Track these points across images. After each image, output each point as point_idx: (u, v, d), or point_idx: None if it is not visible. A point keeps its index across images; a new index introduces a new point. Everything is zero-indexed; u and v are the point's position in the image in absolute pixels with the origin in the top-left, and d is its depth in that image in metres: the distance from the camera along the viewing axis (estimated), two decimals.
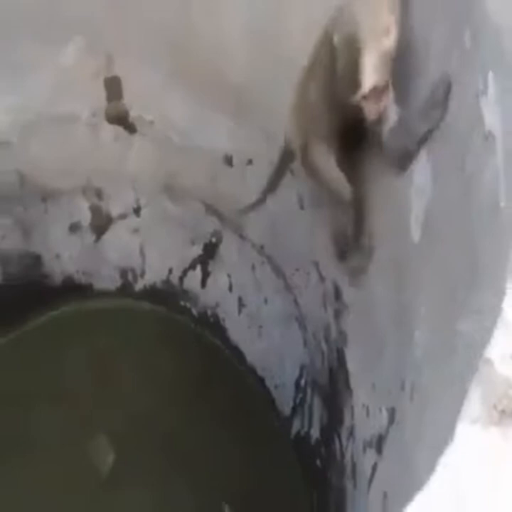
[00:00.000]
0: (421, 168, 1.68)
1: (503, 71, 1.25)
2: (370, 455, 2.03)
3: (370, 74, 1.71)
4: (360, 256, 2.07)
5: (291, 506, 2.93)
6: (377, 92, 1.74)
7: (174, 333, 3.40)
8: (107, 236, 3.33)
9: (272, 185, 2.43)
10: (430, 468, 1.21)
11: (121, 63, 2.79)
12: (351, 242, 2.10)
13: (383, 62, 1.71)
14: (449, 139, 1.51)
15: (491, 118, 1.24)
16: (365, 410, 2.12)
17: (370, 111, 1.78)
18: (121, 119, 2.99)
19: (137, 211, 3.27)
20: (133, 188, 3.19)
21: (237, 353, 3.32)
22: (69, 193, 3.17)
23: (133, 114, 2.96)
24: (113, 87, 2.91)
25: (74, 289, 3.37)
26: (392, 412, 1.85)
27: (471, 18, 1.40)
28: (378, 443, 1.96)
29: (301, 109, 2.07)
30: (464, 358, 1.20)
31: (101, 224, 3.33)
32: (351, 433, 2.33)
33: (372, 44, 1.70)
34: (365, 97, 1.76)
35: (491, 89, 1.25)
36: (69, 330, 3.31)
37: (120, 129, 3.01)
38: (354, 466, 2.28)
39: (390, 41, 1.71)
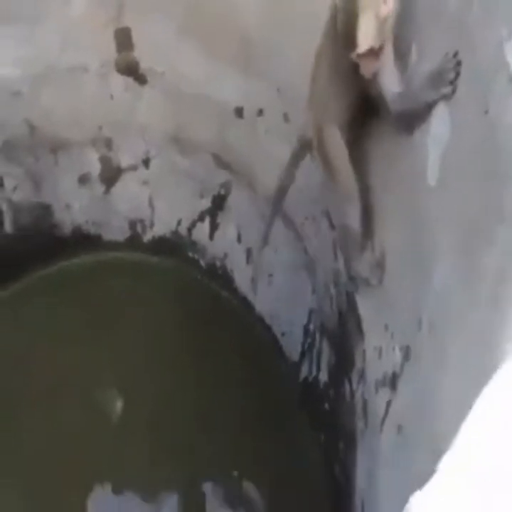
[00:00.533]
0: (439, 117, 1.73)
1: None
2: (384, 393, 2.10)
3: (365, 37, 1.81)
4: (371, 264, 2.14)
5: (299, 450, 3.01)
6: (373, 53, 1.84)
7: (182, 284, 3.44)
8: (117, 187, 3.36)
9: (290, 173, 2.48)
10: (457, 392, 1.29)
11: (132, 14, 2.82)
12: (361, 244, 2.17)
13: (379, 27, 1.81)
14: (470, 84, 1.56)
15: None
16: (377, 352, 2.19)
17: (365, 69, 1.89)
18: (132, 70, 3.01)
19: (146, 163, 3.30)
20: (143, 139, 3.20)
21: (245, 303, 3.37)
22: (79, 144, 3.18)
23: (143, 65, 2.97)
24: (123, 38, 2.93)
25: (83, 239, 3.41)
26: (406, 351, 1.92)
27: None
28: (392, 381, 2.03)
29: (314, 97, 2.17)
30: (491, 286, 1.27)
31: (110, 175, 3.34)
32: (362, 375, 2.40)
33: (369, 9, 1.80)
34: (361, 55, 1.85)
35: None
36: (78, 280, 3.35)
37: (130, 80, 3.02)
38: (365, 406, 2.36)
39: (387, 7, 1.80)
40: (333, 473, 2.76)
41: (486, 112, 1.43)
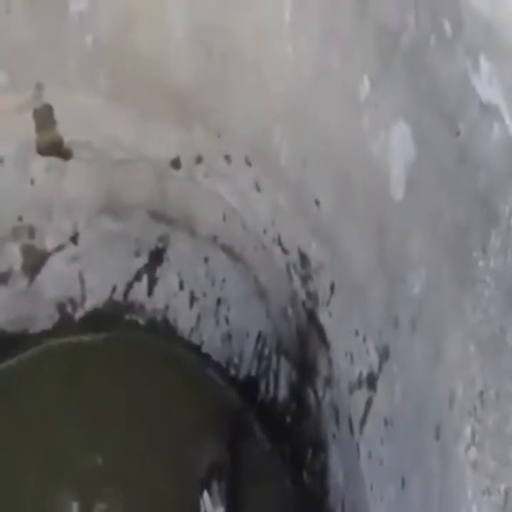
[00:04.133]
0: (400, 136, 1.93)
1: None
2: (361, 395, 2.27)
3: None
4: None
5: (263, 468, 3.10)
6: None
7: (123, 352, 3.33)
8: (42, 274, 3.15)
9: None
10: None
11: (53, 90, 2.65)
12: None
13: None
14: (434, 111, 1.78)
15: (489, 91, 1.51)
16: (348, 357, 2.37)
17: None
18: (55, 148, 2.81)
19: (75, 239, 3.12)
20: (70, 217, 3.03)
21: (192, 348, 3.39)
22: None
23: (67, 139, 2.81)
24: (44, 117, 2.72)
25: (7, 342, 3.17)
26: (385, 350, 2.11)
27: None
28: (370, 381, 2.22)
29: None
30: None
31: (35, 263, 3.10)
32: (329, 382, 2.58)
33: None
34: None
35: (485, 68, 1.53)
36: (8, 387, 3.14)
37: (52, 159, 2.84)
38: (336, 410, 2.54)
39: None
40: (301, 480, 2.92)
41: (458, 134, 1.65)
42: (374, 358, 2.16)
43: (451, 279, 1.66)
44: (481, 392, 1.48)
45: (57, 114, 2.73)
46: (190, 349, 3.41)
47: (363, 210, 2.12)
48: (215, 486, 2.97)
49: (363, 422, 2.23)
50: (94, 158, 2.86)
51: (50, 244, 3.11)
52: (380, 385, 2.12)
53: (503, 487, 1.31)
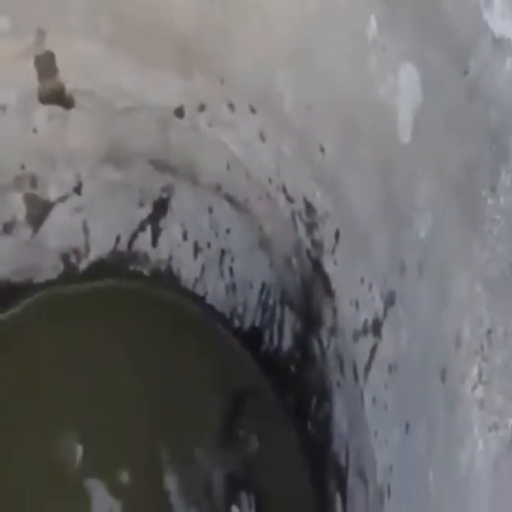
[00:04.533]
0: (407, 79, 1.91)
1: None
2: (366, 342, 2.27)
3: None
4: None
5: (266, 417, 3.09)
6: None
7: (126, 302, 3.30)
8: (46, 225, 3.12)
9: None
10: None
11: (55, 37, 2.61)
12: None
13: None
14: (441, 49, 1.75)
15: (502, 24, 1.48)
16: (353, 305, 2.37)
17: None
18: (58, 97, 2.77)
19: (78, 189, 3.09)
20: (73, 166, 3.00)
21: (195, 298, 3.37)
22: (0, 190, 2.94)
23: (69, 87, 2.76)
24: (46, 64, 2.68)
25: (13, 291, 3.17)
26: (390, 296, 2.10)
27: None
28: (374, 327, 2.22)
29: None
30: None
31: (38, 213, 3.08)
32: (333, 331, 2.58)
33: None
34: None
35: (497, 1, 1.49)
36: (11, 335, 3.13)
37: (55, 107, 2.80)
38: (340, 359, 2.54)
39: None
40: (305, 430, 2.93)
41: (467, 72, 1.62)
42: (379, 304, 2.15)
43: (459, 220, 1.64)
44: (489, 331, 1.47)
45: (59, 61, 2.70)
46: (194, 300, 3.39)
47: (368, 155, 2.09)
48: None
49: (367, 368, 2.23)
50: (97, 106, 2.84)
51: (53, 194, 3.10)
52: (385, 331, 2.12)
53: (510, 422, 1.30)
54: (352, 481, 2.42)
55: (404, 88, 1.89)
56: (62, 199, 3.11)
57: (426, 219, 1.79)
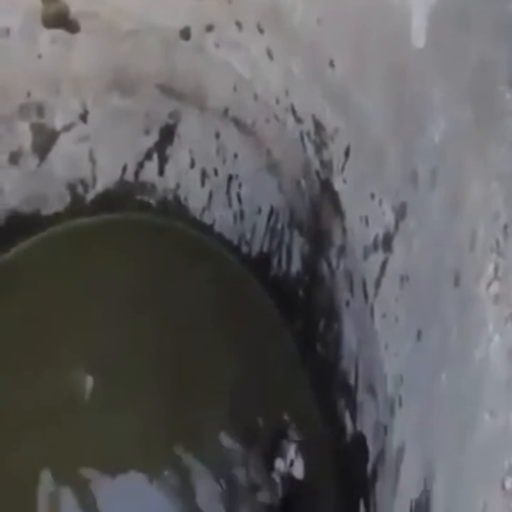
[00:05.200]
0: None
1: None
2: (376, 257, 2.26)
3: None
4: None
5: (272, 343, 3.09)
6: None
7: (135, 234, 3.28)
8: (52, 154, 3.08)
9: None
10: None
11: None
12: None
13: None
14: None
15: None
16: (363, 222, 2.35)
17: None
18: (62, 20, 2.71)
19: (84, 117, 3.05)
20: (78, 93, 2.94)
21: (203, 227, 3.35)
22: (5, 118, 2.88)
23: (74, 9, 2.70)
24: None
25: (21, 222, 3.15)
26: (402, 209, 2.08)
27: None
28: (385, 242, 2.20)
29: None
30: None
31: (45, 143, 3.03)
32: (343, 250, 2.56)
33: None
34: None
35: None
36: (23, 270, 3.13)
37: (59, 32, 2.74)
38: (350, 277, 2.53)
39: None
40: (314, 351, 2.93)
41: None
42: (390, 218, 2.13)
43: (474, 120, 1.62)
44: (505, 226, 1.45)
45: None
46: (202, 228, 3.38)
47: (380, 65, 2.05)
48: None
49: (377, 284, 2.22)
50: (102, 30, 2.77)
51: (59, 122, 3.04)
52: (396, 244, 2.10)
53: None
54: (361, 396, 2.42)
55: None
56: (68, 128, 3.07)
57: (440, 124, 1.76)
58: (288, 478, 2.54)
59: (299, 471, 2.46)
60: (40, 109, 2.98)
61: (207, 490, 2.77)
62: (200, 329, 3.12)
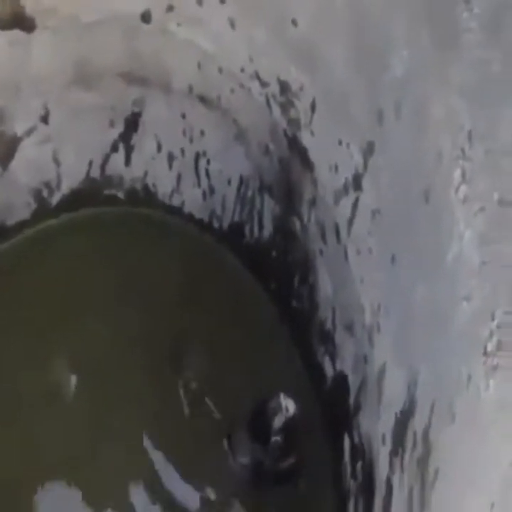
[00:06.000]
0: None
1: None
2: (347, 200, 2.35)
3: None
4: None
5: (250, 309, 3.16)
6: None
7: (106, 229, 3.27)
8: (15, 162, 3.00)
9: None
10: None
11: None
12: None
13: None
14: None
15: None
16: (332, 170, 2.46)
17: None
18: (19, 20, 2.63)
19: (45, 118, 2.96)
20: (39, 94, 2.87)
21: (173, 210, 3.37)
22: None
23: (29, 8, 2.63)
24: None
25: None
26: (369, 147, 2.19)
27: None
28: (355, 182, 2.30)
29: None
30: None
31: (6, 150, 2.94)
32: (313, 203, 2.67)
33: None
34: None
35: None
36: None
37: (15, 32, 2.66)
38: (322, 226, 2.64)
39: None
40: (290, 307, 3.02)
41: None
42: (358, 159, 2.24)
43: (434, 43, 1.74)
44: (469, 132, 1.57)
45: None
46: (171, 212, 3.41)
47: (342, 12, 2.16)
48: None
49: (349, 224, 2.33)
50: (61, 25, 2.74)
51: (20, 128, 2.96)
52: (365, 182, 2.22)
53: (495, 196, 1.40)
54: (340, 339, 2.52)
55: None
56: (30, 131, 2.98)
57: (402, 55, 1.88)
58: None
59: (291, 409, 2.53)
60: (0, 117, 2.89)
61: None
62: (180, 309, 3.15)
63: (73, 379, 2.98)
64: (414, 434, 1.74)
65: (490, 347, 1.30)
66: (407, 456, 1.78)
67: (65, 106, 2.97)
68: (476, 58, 1.57)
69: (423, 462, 1.65)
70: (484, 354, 1.32)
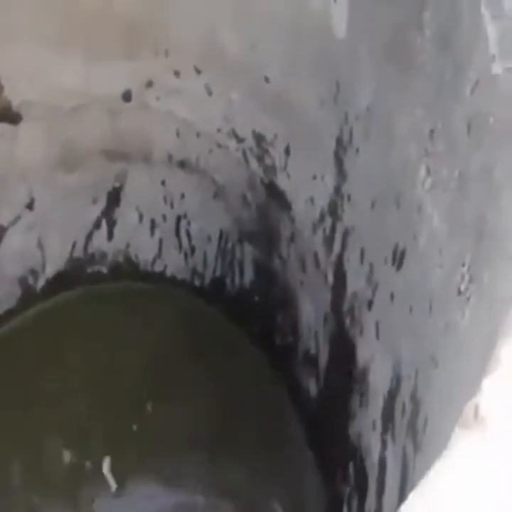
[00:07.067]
0: None
1: None
2: (324, 225, 2.60)
3: None
4: None
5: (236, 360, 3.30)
6: None
7: (87, 310, 3.30)
8: (1, 253, 3.04)
9: None
10: None
11: None
12: None
13: None
14: None
15: None
16: (308, 202, 2.70)
17: None
18: (5, 114, 2.69)
19: (30, 205, 3.02)
20: (24, 181, 2.93)
21: (155, 276, 3.49)
22: None
23: (16, 101, 2.71)
24: None
25: None
26: (342, 174, 2.48)
27: None
28: (331, 208, 2.57)
29: None
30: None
31: None
32: (292, 239, 2.91)
33: None
34: None
35: None
36: None
37: (1, 126, 2.74)
38: (302, 258, 2.86)
39: None
40: (274, 345, 3.22)
41: None
42: (331, 187, 2.50)
43: (395, 68, 2.04)
44: (431, 131, 1.85)
45: (4, 77, 2.67)
46: (153, 278, 3.49)
47: (310, 62, 2.46)
48: None
49: (329, 247, 2.56)
50: (45, 113, 2.80)
51: (5, 218, 3.00)
52: (340, 207, 2.47)
53: (456, 173, 1.68)
54: (323, 357, 2.73)
55: None
56: (15, 221, 3.02)
57: (369, 86, 2.18)
58: None
59: None
60: None
61: None
62: (169, 372, 3.25)
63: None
64: (403, 403, 1.95)
65: (463, 287, 1.54)
66: (397, 426, 1.99)
67: (49, 191, 3.05)
68: (430, 71, 1.87)
69: (412, 420, 1.85)
70: (458, 294, 1.56)
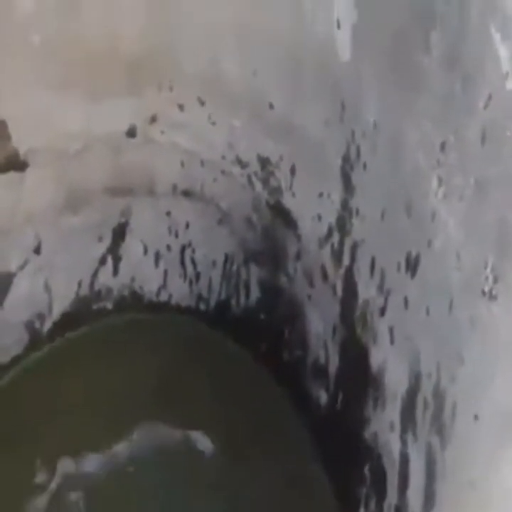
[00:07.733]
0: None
1: None
2: (333, 239, 2.68)
3: None
4: None
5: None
6: None
7: (93, 349, 3.28)
8: (10, 297, 3.03)
9: None
10: None
11: (5, 103, 2.57)
12: None
13: None
14: None
15: None
16: (315, 220, 2.77)
17: None
18: (13, 163, 2.72)
19: (38, 249, 3.02)
20: (31, 225, 2.93)
21: (161, 306, 3.49)
22: None
23: (23, 150, 2.73)
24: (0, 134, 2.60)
25: None
26: (349, 189, 2.56)
27: None
28: (339, 223, 2.65)
29: None
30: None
31: (1, 289, 2.95)
32: (298, 256, 2.97)
33: None
34: None
35: None
36: None
37: (9, 175, 2.75)
38: (310, 274, 2.91)
39: None
40: (281, 362, 3.27)
41: None
42: (338, 203, 2.56)
43: (402, 88, 2.13)
44: (443, 143, 1.95)
45: (11, 126, 2.69)
46: (159, 308, 3.48)
47: (315, 85, 2.52)
48: None
49: (338, 259, 2.63)
50: (51, 159, 2.83)
51: (13, 264, 3.01)
52: (348, 221, 2.54)
53: (472, 180, 1.77)
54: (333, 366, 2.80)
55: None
56: (23, 265, 3.02)
57: (374, 105, 2.26)
58: None
59: None
60: None
61: None
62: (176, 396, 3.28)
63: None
64: (425, 399, 2.03)
65: (487, 288, 1.63)
66: (419, 422, 2.07)
67: (55, 233, 3.00)
68: (438, 88, 1.97)
69: (437, 415, 1.93)
70: (483, 295, 1.65)
